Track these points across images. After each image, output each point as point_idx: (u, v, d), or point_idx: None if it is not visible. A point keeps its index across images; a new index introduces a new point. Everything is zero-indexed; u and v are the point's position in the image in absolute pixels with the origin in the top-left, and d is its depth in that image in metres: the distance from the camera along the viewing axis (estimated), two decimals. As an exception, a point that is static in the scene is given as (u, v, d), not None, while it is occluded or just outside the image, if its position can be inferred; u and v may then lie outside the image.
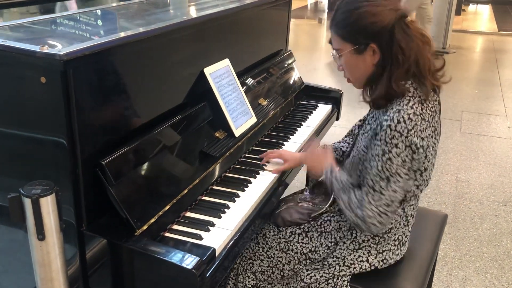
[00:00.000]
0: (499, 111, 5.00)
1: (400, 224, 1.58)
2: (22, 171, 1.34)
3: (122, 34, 1.31)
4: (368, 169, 1.42)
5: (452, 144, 4.14)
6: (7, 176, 1.37)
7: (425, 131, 1.38)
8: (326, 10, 11.60)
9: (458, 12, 9.80)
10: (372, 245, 1.58)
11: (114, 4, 1.94)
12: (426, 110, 1.40)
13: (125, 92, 1.39)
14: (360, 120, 1.88)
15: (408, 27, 1.39)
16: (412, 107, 1.37)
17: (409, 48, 1.37)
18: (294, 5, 13.01)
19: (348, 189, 1.48)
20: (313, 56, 7.20)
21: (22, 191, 1.08)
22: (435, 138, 1.46)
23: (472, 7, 12.79)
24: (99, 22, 1.66)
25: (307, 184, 2.65)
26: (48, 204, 1.09)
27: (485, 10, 12.40)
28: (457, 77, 5.97)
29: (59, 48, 1.12)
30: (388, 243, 1.59)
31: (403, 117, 1.34)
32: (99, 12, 1.77)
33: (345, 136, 1.91)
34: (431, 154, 1.45)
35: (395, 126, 1.34)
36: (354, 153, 1.57)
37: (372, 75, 1.45)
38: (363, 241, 1.58)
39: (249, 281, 1.73)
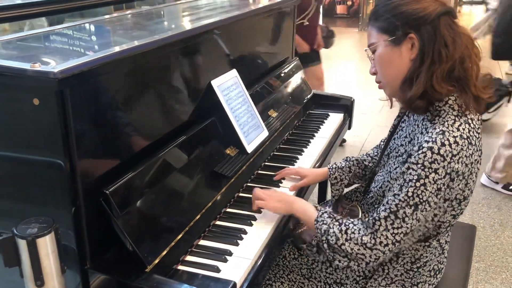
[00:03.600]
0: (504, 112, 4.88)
1: (435, 255, 1.42)
2: (16, 204, 1.19)
3: (122, 47, 1.17)
4: (392, 192, 1.24)
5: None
6: (-1, 211, 1.23)
7: (471, 156, 1.20)
8: (321, 17, 11.52)
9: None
10: (406, 279, 1.42)
11: (107, 16, 1.81)
12: (474, 132, 1.21)
13: (127, 111, 1.25)
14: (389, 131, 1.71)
15: (455, 24, 1.24)
16: (458, 129, 1.19)
17: (454, 44, 1.21)
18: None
19: (339, 217, 1.33)
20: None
21: (16, 231, 0.94)
22: (479, 163, 1.27)
23: (466, 8, 12.74)
24: (94, 36, 1.52)
25: (319, 199, 2.51)
26: (46, 245, 0.95)
27: (480, 11, 12.36)
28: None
29: (53, 65, 0.98)
30: (423, 275, 1.43)
31: (448, 139, 1.16)
32: (93, 25, 1.63)
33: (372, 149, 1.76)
34: (473, 181, 1.27)
35: (439, 149, 1.16)
36: (386, 179, 1.39)
37: (409, 74, 1.26)
38: (396, 275, 1.41)
39: (269, 303, 1.58)
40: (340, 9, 10.94)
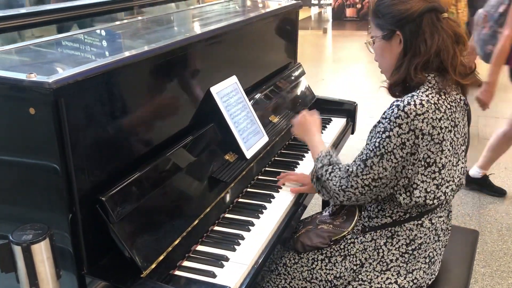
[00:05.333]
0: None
1: (430, 239, 1.46)
2: (15, 210, 1.22)
3: (119, 56, 1.19)
4: (366, 143, 1.41)
5: (471, 151, 3.97)
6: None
7: (440, 121, 1.34)
8: (330, 20, 11.52)
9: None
10: (401, 264, 1.45)
11: (117, 23, 1.84)
12: (444, 102, 1.36)
13: (124, 119, 1.27)
14: None
15: (439, 21, 1.38)
16: (427, 95, 1.35)
17: (432, 39, 1.36)
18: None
19: (335, 162, 1.52)
20: (320, 67, 7.08)
21: (11, 238, 0.96)
22: (454, 134, 1.39)
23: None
24: (96, 43, 1.55)
25: (323, 204, 2.52)
26: (41, 251, 0.97)
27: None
28: (469, 81, 5.79)
29: (49, 75, 1.00)
30: (418, 261, 1.46)
31: (414, 101, 1.32)
32: (96, 32, 1.66)
33: None
34: (448, 150, 1.38)
35: (404, 107, 1.32)
36: None
37: (396, 65, 1.45)
38: (391, 260, 1.46)
39: (273, 315, 1.60)
40: (349, 12, 10.92)
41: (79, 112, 1.09)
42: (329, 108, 2.46)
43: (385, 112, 1.37)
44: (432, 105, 1.33)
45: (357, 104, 2.45)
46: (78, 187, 1.11)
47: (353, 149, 3.98)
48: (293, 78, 2.34)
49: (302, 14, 12.40)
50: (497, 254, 2.65)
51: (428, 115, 1.31)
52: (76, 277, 1.17)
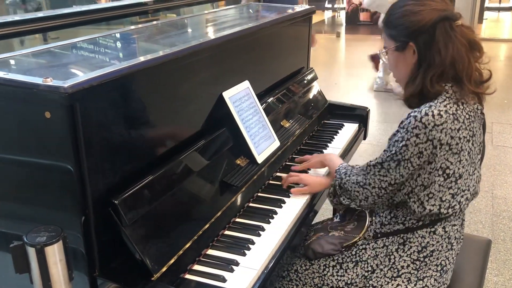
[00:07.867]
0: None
1: (442, 247, 1.46)
2: (30, 212, 1.24)
3: (133, 61, 1.21)
4: (384, 151, 1.43)
5: (485, 158, 3.94)
6: (11, 219, 1.27)
7: (458, 131, 1.34)
8: (344, 24, 11.50)
9: (481, 20, 9.57)
10: (412, 271, 1.45)
11: (132, 27, 1.86)
12: (462, 112, 1.36)
13: (138, 123, 1.29)
14: None
15: (453, 29, 1.36)
16: (445, 106, 1.34)
17: (446, 49, 1.35)
18: (311, 20, 12.86)
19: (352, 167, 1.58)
20: (333, 71, 7.07)
21: (26, 239, 0.98)
22: (472, 144, 1.39)
23: (493, 14, 12.50)
24: (110, 47, 1.57)
25: (334, 212, 2.51)
26: (55, 253, 0.99)
27: (507, 17, 12.12)
28: (484, 87, 5.74)
29: (65, 79, 1.02)
30: (430, 269, 1.46)
31: (432, 111, 1.32)
32: (110, 36, 1.68)
33: None
34: (466, 159, 1.38)
35: (421, 118, 1.32)
36: None
37: (410, 75, 1.44)
38: (402, 267, 1.46)
39: (283, 321, 1.60)
40: (363, 16, 10.91)
41: (94, 116, 1.10)
42: (341, 113, 2.46)
43: (402, 121, 1.37)
44: (451, 115, 1.33)
45: (369, 110, 2.45)
46: (91, 190, 1.12)
47: (365, 154, 3.98)
48: (305, 82, 2.34)
49: (316, 18, 12.39)
50: (510, 263, 2.61)
51: (447, 125, 1.32)
52: (88, 279, 1.18)
